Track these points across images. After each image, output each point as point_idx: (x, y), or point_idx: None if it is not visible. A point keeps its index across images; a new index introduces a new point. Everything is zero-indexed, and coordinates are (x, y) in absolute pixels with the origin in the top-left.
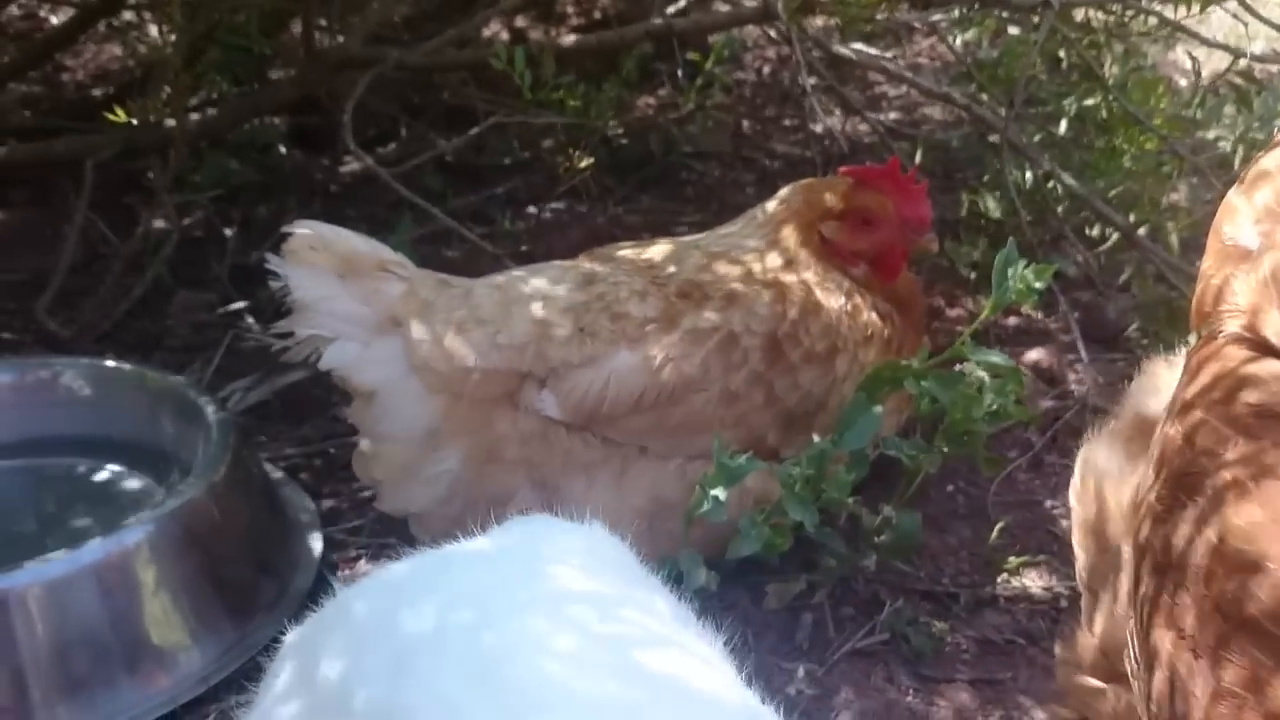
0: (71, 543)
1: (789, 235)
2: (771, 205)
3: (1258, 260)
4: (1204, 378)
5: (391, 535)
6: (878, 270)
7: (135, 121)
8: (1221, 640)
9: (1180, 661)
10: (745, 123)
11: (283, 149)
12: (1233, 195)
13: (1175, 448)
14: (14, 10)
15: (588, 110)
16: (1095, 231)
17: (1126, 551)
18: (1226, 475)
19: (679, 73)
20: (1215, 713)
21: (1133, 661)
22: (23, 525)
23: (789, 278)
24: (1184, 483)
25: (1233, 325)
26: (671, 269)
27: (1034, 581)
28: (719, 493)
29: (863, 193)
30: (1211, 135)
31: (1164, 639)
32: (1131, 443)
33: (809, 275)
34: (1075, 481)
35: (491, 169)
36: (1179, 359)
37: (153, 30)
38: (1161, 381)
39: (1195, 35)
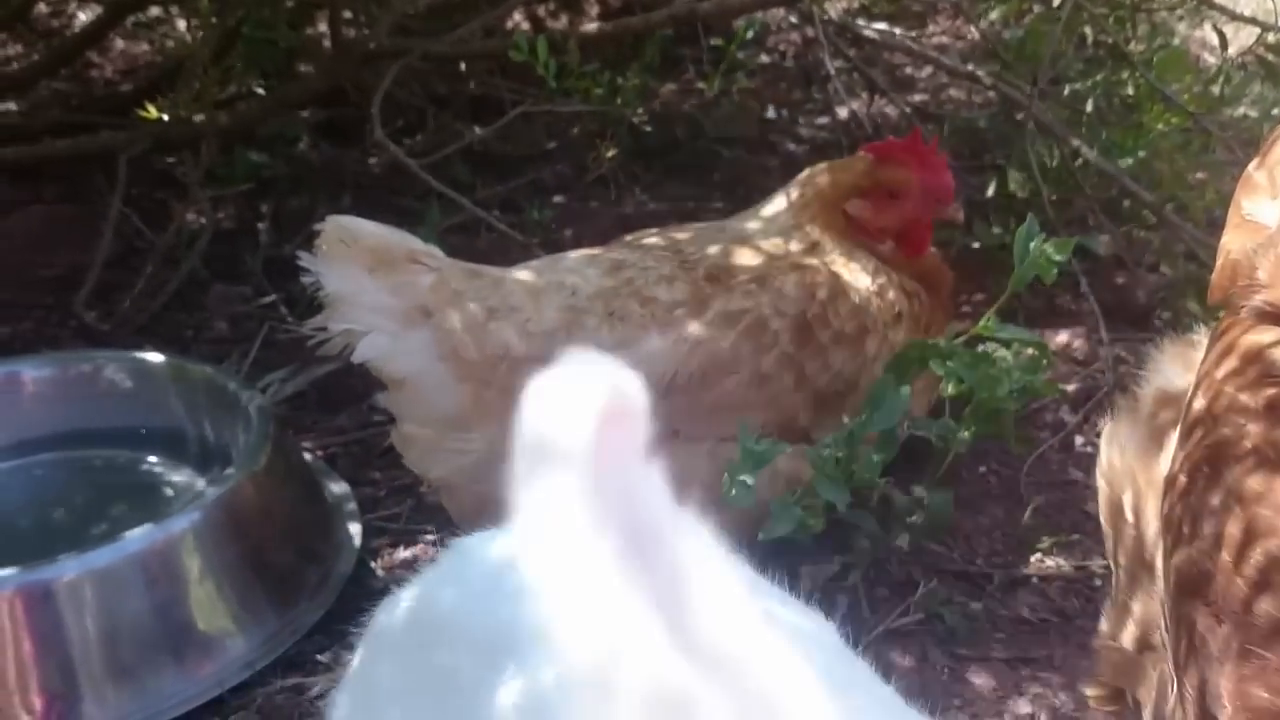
0: (114, 533)
1: (814, 216)
2: (795, 188)
3: (1278, 235)
4: (1228, 353)
5: (429, 523)
6: (904, 245)
7: (166, 117)
8: (1246, 605)
9: (1206, 628)
10: (770, 107)
11: (311, 143)
12: (1252, 170)
13: (1201, 422)
14: (42, 7)
15: (613, 97)
16: (1123, 209)
17: (1154, 527)
18: (1250, 446)
19: (703, 58)
20: (1240, 675)
21: (1163, 632)
22: (66, 516)
23: (816, 260)
24: (1209, 455)
25: (1255, 300)
26: (699, 253)
27: (1067, 561)
28: (746, 478)
29: (885, 167)
30: (1239, 112)
31: (1191, 607)
32: (1155, 420)
33: (836, 256)
34: (1101, 460)
35: (518, 159)
36: (1202, 336)
37: (180, 25)
38: (1185, 358)
39: (1222, 9)
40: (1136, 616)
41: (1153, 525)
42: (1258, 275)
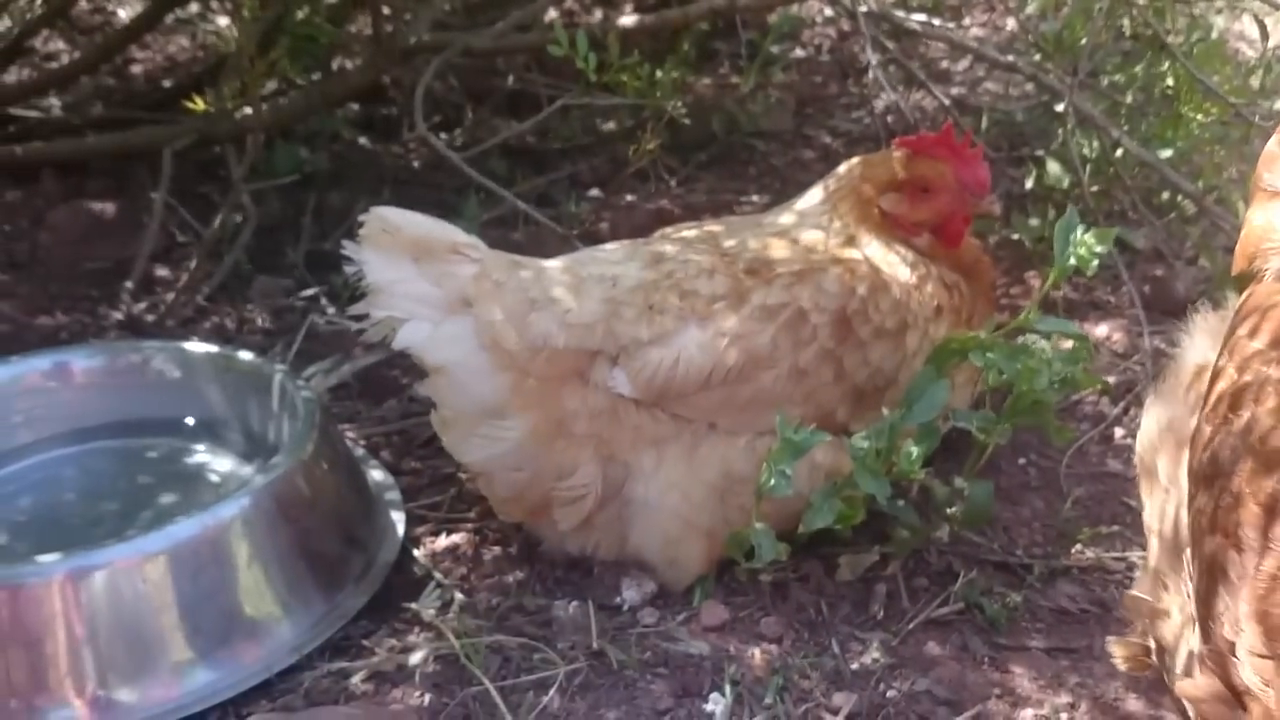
0: (162, 520)
1: (849, 211)
2: (830, 182)
3: None
4: (1251, 313)
5: (470, 511)
6: (941, 238)
7: (213, 110)
8: (1262, 530)
9: (1226, 559)
10: (806, 101)
11: (350, 138)
12: (1273, 144)
13: (1226, 376)
14: (83, 5)
15: (652, 90)
16: (1164, 200)
17: (1185, 485)
18: (1267, 388)
19: (743, 51)
20: (1258, 596)
21: (1187, 580)
22: (115, 504)
23: (855, 254)
24: (1231, 402)
25: (1275, 262)
26: (739, 246)
27: (1107, 552)
28: (785, 468)
29: (919, 162)
30: (1278, 105)
31: (1212, 543)
32: (1191, 391)
33: (873, 250)
34: (1140, 433)
35: (555, 153)
36: (1228, 311)
37: (220, 21)
38: (1218, 332)
39: None
40: (1170, 587)
41: (1183, 485)
42: (1278, 238)
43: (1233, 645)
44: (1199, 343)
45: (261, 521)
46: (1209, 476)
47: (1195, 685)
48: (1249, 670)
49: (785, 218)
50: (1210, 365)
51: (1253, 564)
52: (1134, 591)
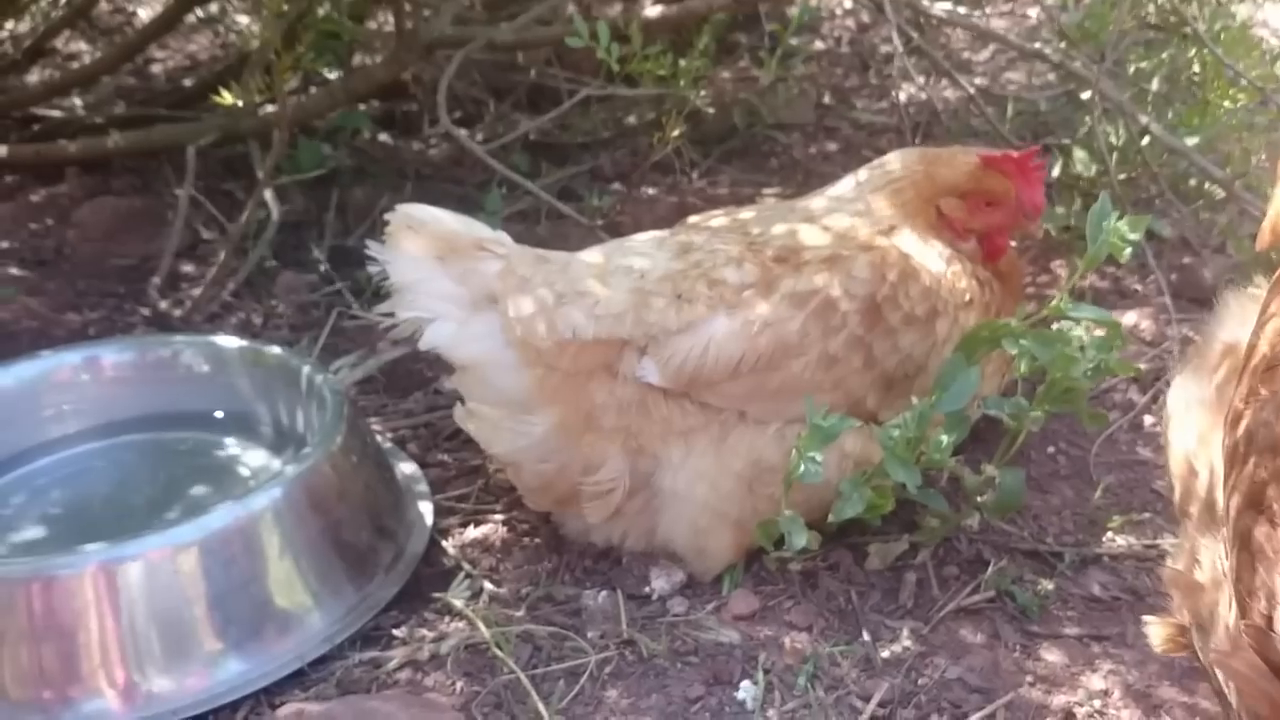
0: (192, 513)
1: (902, 204)
2: (892, 168)
3: None
4: None
5: (497, 503)
6: (984, 248)
7: (240, 103)
8: None
9: (1263, 535)
10: (827, 93)
11: (373, 134)
12: None
13: (1260, 353)
14: (104, 5)
15: (674, 81)
16: (1190, 188)
17: (1217, 463)
18: None
19: (764, 43)
20: None
21: (1222, 557)
22: (147, 496)
23: (887, 241)
24: (1266, 380)
25: None
26: (767, 233)
27: (1138, 539)
28: (815, 454)
29: (990, 175)
30: None
31: (1250, 518)
32: (1220, 372)
33: (908, 240)
34: (1168, 415)
35: (576, 148)
36: (1255, 291)
37: (241, 19)
38: (1247, 312)
39: None
40: (1204, 560)
41: (1217, 465)
42: None
43: (1270, 620)
44: (1227, 322)
45: (292, 512)
46: (1244, 454)
47: (1232, 659)
48: None
49: (833, 201)
50: (1239, 344)
51: None
52: (1173, 568)
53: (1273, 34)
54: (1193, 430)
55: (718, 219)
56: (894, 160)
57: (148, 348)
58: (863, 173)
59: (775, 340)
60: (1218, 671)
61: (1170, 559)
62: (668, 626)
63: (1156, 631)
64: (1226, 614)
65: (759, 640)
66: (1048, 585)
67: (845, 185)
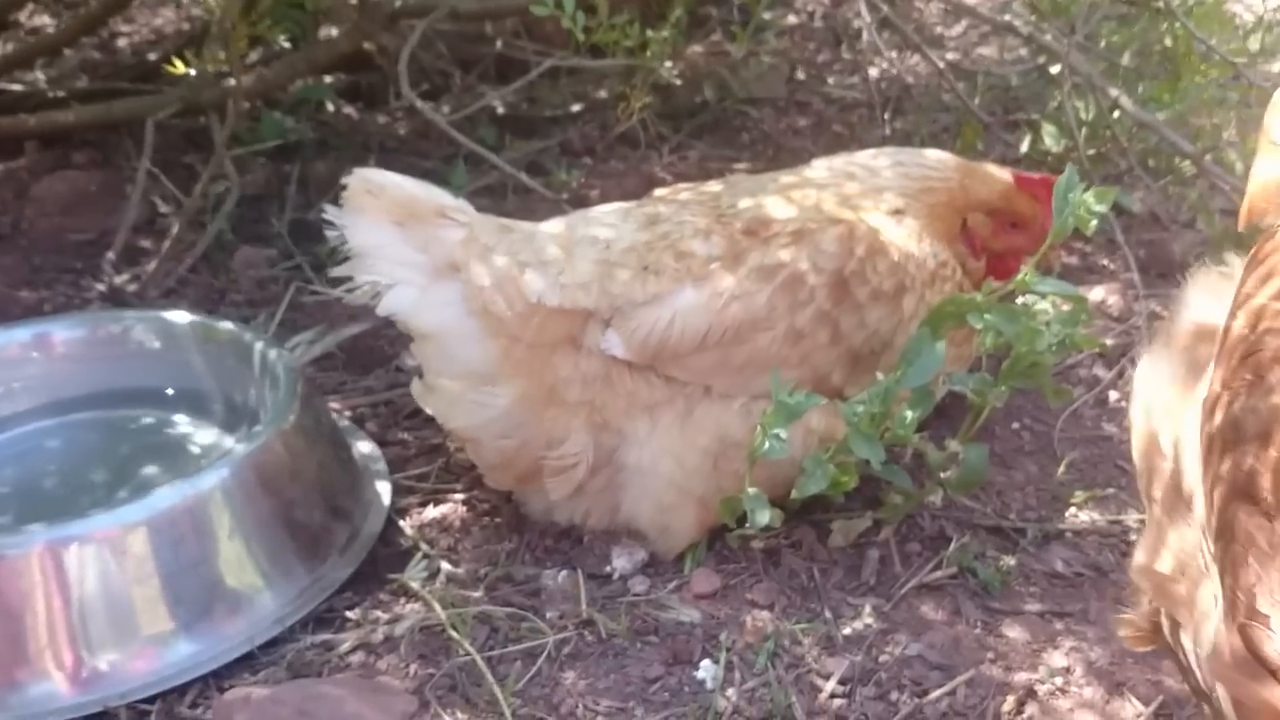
0: (144, 491)
1: (933, 207)
2: (932, 168)
3: None
4: (1267, 267)
5: (458, 482)
6: (995, 267)
7: (194, 73)
8: None
9: (1256, 526)
10: (799, 68)
11: (336, 107)
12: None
13: (1240, 335)
14: None
15: (642, 52)
16: (1160, 163)
17: (1192, 458)
18: None
19: (735, 16)
20: None
21: (1204, 555)
22: (97, 475)
23: (854, 215)
24: (1251, 363)
25: None
26: (736, 205)
27: (1101, 515)
28: (780, 431)
29: (1022, 198)
30: (1277, 67)
31: (1239, 509)
32: (1191, 353)
33: (922, 244)
34: (1135, 395)
35: (544, 121)
36: (1226, 269)
37: None
38: (1217, 289)
39: None
40: (1173, 549)
41: (1190, 457)
42: None
43: (1267, 618)
44: (1198, 300)
45: (242, 492)
46: (1231, 441)
47: (1222, 660)
48: None
49: (854, 182)
50: (1212, 324)
51: None
52: (1141, 560)
53: (1245, 8)
54: (1164, 413)
55: (686, 191)
56: (933, 159)
57: (98, 324)
58: (922, 161)
59: (742, 314)
60: (1214, 682)
61: (1137, 550)
62: (628, 606)
63: (1126, 626)
64: (1212, 611)
65: (720, 619)
66: (1010, 561)
67: (887, 166)
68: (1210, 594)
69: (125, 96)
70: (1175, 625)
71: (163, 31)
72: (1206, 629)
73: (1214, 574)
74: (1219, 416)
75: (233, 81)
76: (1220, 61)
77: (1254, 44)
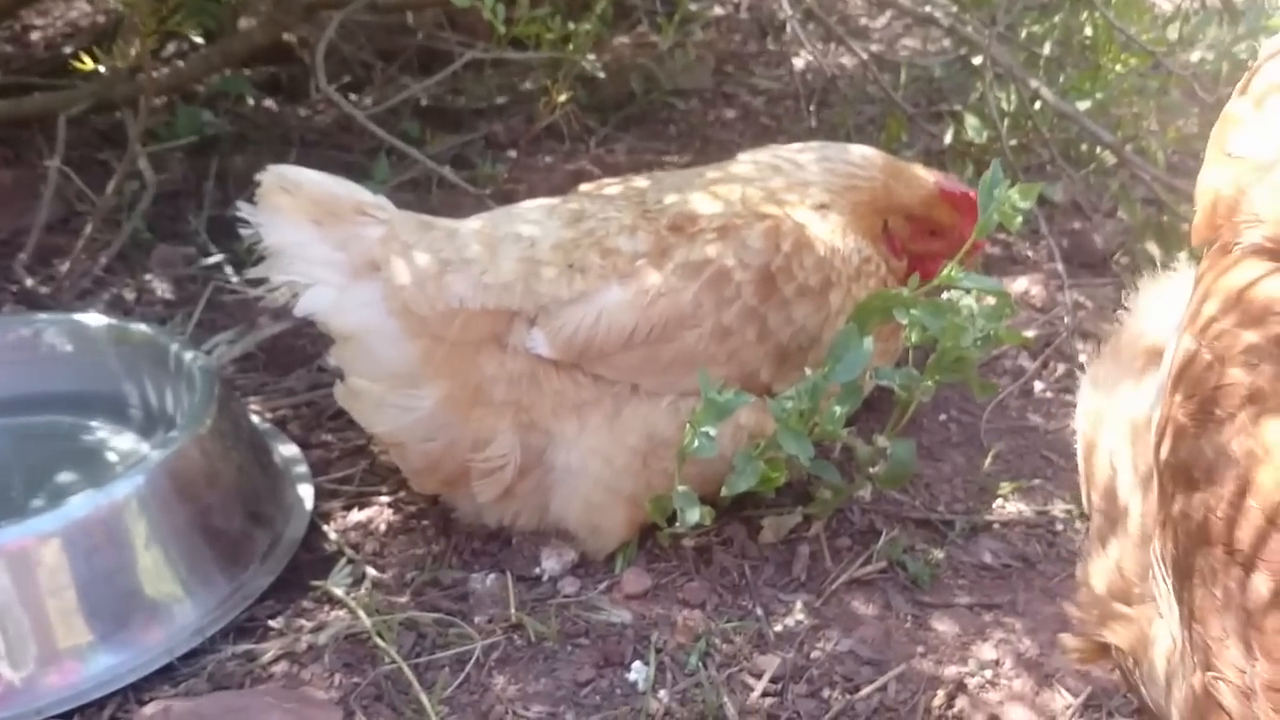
0: (58, 500)
1: (856, 205)
2: (857, 165)
3: (1274, 169)
4: (1226, 291)
5: (382, 485)
6: (916, 266)
7: (103, 70)
8: (1276, 549)
9: (1230, 576)
10: (725, 59)
11: (255, 100)
12: (1234, 107)
13: (1201, 364)
14: None
15: (565, 44)
16: (1082, 153)
17: (1130, 470)
18: (1264, 387)
19: (659, 8)
20: (1273, 623)
21: (1157, 580)
22: (7, 483)
23: (780, 210)
24: (1215, 398)
25: (1252, 236)
26: (661, 202)
27: (1029, 506)
28: (709, 429)
29: (943, 207)
30: (1195, 56)
31: (1207, 555)
32: (1137, 362)
33: (847, 240)
34: (1081, 403)
35: (469, 114)
36: (1175, 275)
37: None
38: (1165, 298)
39: None
40: (1113, 560)
41: (1128, 469)
42: (1255, 210)
43: (1242, 672)
44: (1147, 311)
45: (158, 499)
46: (1193, 480)
47: (1190, 706)
48: (1266, 706)
49: (780, 175)
50: (1158, 336)
51: (1269, 589)
52: (1096, 590)
53: None
54: (1114, 432)
55: (612, 186)
56: (859, 156)
57: (8, 327)
58: (846, 158)
59: (669, 311)
60: (1171, 709)
61: (1080, 571)
62: (558, 608)
63: (1074, 646)
64: (1168, 645)
65: (651, 619)
66: (939, 554)
67: (813, 161)
68: (1163, 627)
69: (37, 91)
70: (1121, 653)
71: (78, 25)
72: (1157, 659)
73: (1170, 604)
74: (1184, 449)
75: (143, 76)
76: (1140, 51)
77: (1173, 33)
